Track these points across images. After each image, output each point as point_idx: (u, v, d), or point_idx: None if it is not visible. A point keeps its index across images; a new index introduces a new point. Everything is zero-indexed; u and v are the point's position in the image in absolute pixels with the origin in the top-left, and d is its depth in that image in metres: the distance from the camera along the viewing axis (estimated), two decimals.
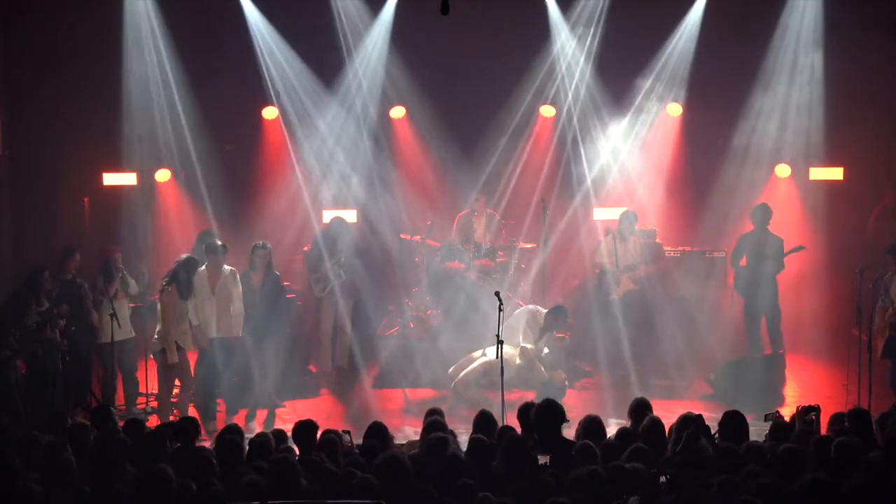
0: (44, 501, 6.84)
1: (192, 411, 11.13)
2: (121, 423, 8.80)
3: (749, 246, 12.83)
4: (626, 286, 13.10)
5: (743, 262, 12.90)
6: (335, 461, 7.49)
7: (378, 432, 7.99)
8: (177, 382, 11.55)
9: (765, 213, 12.87)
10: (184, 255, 11.44)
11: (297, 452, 7.83)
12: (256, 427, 11.04)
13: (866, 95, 14.16)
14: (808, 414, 8.16)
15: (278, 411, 11.87)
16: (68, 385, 11.18)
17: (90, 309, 11.52)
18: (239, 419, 11.36)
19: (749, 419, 8.14)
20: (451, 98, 14.67)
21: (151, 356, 11.58)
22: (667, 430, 8.28)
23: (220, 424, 10.48)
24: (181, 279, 11.03)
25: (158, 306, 11.24)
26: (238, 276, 11.60)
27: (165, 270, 11.69)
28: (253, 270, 11.84)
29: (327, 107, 14.57)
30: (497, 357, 9.90)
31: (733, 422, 7.90)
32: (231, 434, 7.93)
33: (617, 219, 13.42)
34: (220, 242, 11.69)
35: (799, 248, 13.02)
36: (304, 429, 7.91)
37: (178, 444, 7.97)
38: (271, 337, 12.02)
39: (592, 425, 7.95)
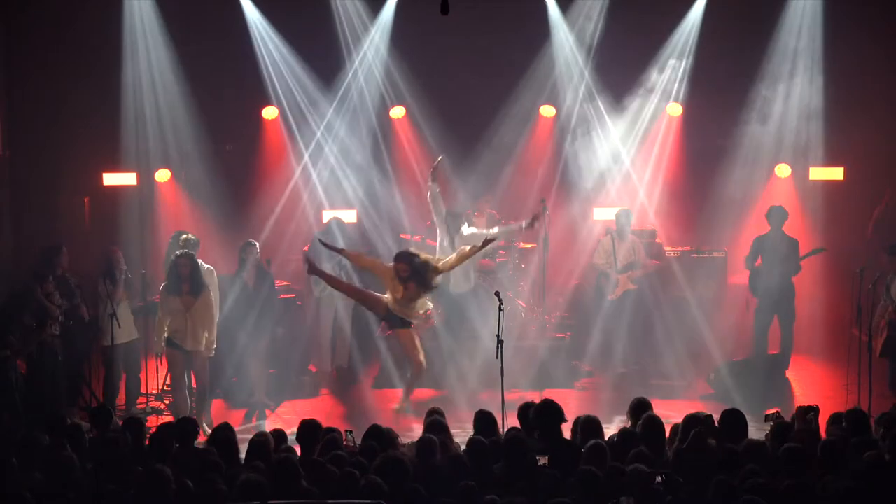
0: (42, 501, 6.85)
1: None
2: (120, 424, 8.79)
3: (765, 247, 12.77)
4: (624, 286, 13.10)
5: (758, 263, 12.84)
6: (337, 461, 7.48)
7: (376, 435, 7.97)
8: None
9: (781, 214, 12.79)
10: (176, 252, 11.35)
11: (299, 452, 7.83)
12: (252, 427, 11.03)
13: (866, 95, 14.16)
14: (807, 414, 8.16)
15: (278, 411, 11.87)
16: (66, 384, 11.20)
17: (80, 304, 11.53)
18: (237, 418, 11.37)
19: (749, 419, 8.13)
20: (451, 98, 14.67)
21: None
22: (667, 430, 8.30)
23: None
24: (170, 275, 10.98)
25: None
26: (215, 274, 11.54)
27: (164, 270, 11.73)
28: (244, 269, 11.81)
29: (327, 107, 14.58)
30: (498, 357, 9.90)
31: (732, 421, 7.89)
32: (224, 432, 7.92)
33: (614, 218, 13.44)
34: (191, 236, 11.66)
35: (818, 251, 12.96)
36: (308, 428, 7.90)
37: (177, 445, 7.95)
38: (265, 336, 12.00)
39: (590, 426, 7.94)
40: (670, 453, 7.66)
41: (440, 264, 10.68)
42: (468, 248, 10.69)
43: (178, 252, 11.03)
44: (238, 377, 12.00)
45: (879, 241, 13.55)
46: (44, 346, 10.87)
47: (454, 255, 10.80)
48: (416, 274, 10.53)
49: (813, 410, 8.16)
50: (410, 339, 10.90)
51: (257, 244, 12.02)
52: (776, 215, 12.81)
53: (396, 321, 10.79)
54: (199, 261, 11.33)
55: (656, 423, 7.89)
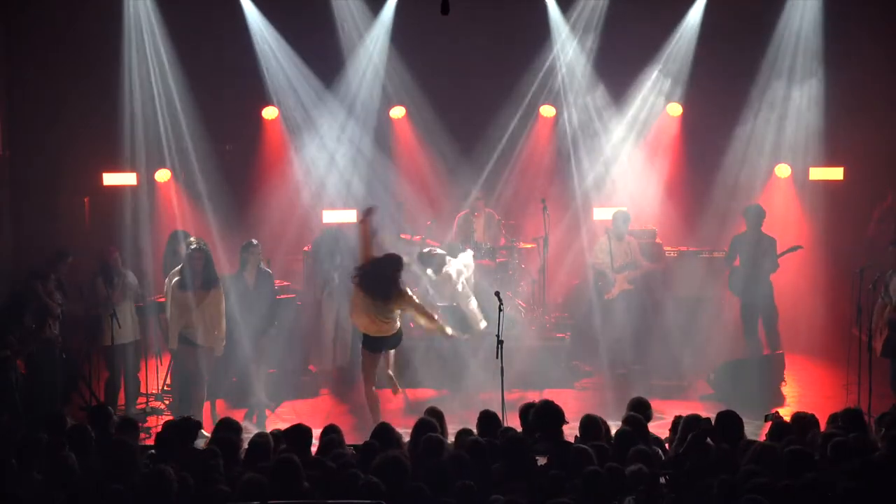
0: (43, 501, 6.86)
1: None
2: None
3: (743, 246, 12.81)
4: (621, 286, 13.11)
5: (736, 262, 12.89)
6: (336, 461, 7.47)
7: (382, 434, 7.96)
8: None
9: (758, 213, 12.84)
10: (190, 247, 11.36)
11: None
12: (251, 427, 11.02)
13: (866, 95, 14.16)
14: (805, 418, 8.15)
15: (278, 411, 11.87)
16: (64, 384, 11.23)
17: (78, 305, 11.57)
18: (237, 418, 11.33)
19: (748, 419, 8.13)
20: (451, 98, 14.68)
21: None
22: (667, 430, 8.32)
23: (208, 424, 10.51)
24: (183, 271, 10.98)
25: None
26: (222, 275, 11.56)
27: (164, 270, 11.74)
28: (245, 270, 11.81)
29: (327, 107, 14.58)
30: (498, 357, 9.92)
31: (728, 422, 7.88)
32: (226, 431, 7.92)
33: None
34: (195, 240, 11.65)
35: (795, 248, 13.00)
36: (298, 434, 7.82)
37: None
38: (265, 336, 12.01)
39: (591, 425, 7.96)
40: (671, 454, 7.67)
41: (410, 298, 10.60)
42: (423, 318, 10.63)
43: (192, 246, 11.05)
44: (238, 377, 11.99)
45: (881, 240, 13.56)
46: (44, 346, 10.88)
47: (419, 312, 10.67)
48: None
49: (809, 418, 8.16)
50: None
51: (259, 245, 12.03)
52: (752, 214, 12.84)
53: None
54: None
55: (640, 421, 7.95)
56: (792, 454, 7.12)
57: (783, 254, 12.79)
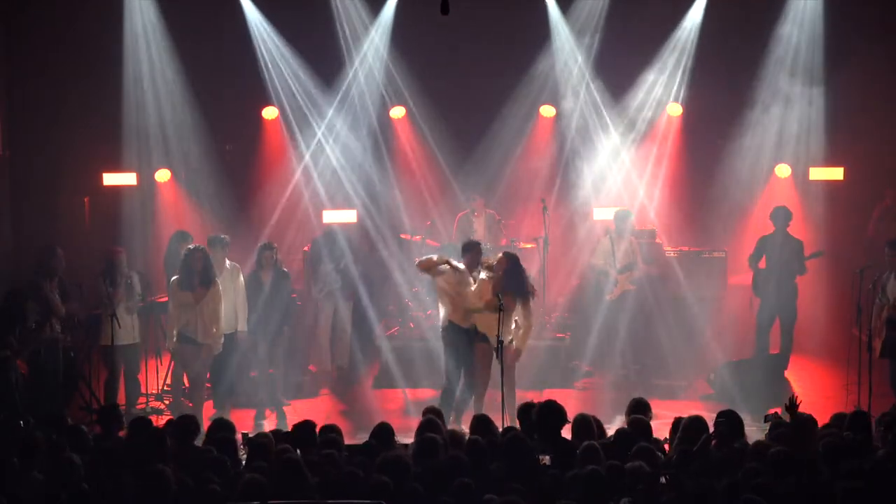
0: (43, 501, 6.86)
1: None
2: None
3: (770, 248, 12.78)
4: (622, 286, 13.09)
5: (762, 263, 12.85)
6: (336, 460, 7.47)
7: (381, 434, 7.96)
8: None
9: (786, 215, 12.81)
10: (189, 246, 11.36)
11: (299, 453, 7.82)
12: (267, 426, 11.00)
13: (866, 95, 14.15)
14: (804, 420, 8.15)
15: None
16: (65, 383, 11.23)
17: (76, 306, 11.56)
18: (248, 418, 11.35)
19: (749, 420, 8.13)
20: (451, 98, 14.67)
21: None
22: (667, 430, 8.31)
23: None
24: (182, 270, 11.00)
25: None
26: (241, 272, 11.58)
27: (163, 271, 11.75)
28: (262, 270, 11.84)
29: (327, 107, 14.57)
30: (498, 357, 9.91)
31: (729, 422, 7.87)
32: (222, 431, 7.92)
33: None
34: (222, 236, 11.67)
35: (818, 254, 12.98)
36: (303, 430, 7.87)
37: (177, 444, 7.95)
38: (281, 335, 12.02)
39: (584, 424, 7.95)
40: (674, 454, 7.66)
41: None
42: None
43: (191, 246, 11.08)
44: (251, 377, 11.96)
45: (881, 240, 13.54)
46: (47, 346, 10.87)
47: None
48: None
49: (808, 419, 8.15)
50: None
51: (276, 247, 12.04)
52: (780, 216, 12.82)
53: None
54: (228, 261, 11.50)
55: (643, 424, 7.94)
56: (780, 455, 7.10)
57: (807, 259, 12.76)
